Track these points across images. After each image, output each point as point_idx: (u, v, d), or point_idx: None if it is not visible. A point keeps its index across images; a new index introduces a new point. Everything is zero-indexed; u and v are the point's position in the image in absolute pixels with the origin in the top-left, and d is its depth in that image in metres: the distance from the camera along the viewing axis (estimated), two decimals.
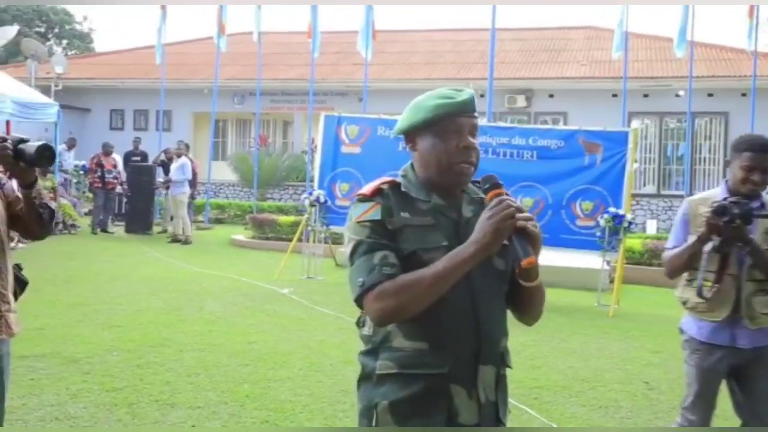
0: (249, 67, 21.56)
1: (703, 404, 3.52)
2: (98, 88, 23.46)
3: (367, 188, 1.92)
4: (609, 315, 8.38)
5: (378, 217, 1.85)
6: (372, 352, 1.92)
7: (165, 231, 14.80)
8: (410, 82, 21.73)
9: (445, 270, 1.75)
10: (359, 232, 1.85)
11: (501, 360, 1.94)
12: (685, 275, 3.42)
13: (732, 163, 3.35)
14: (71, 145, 16.10)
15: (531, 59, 22.68)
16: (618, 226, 8.90)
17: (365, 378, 1.94)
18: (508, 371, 1.99)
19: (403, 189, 1.92)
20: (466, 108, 1.91)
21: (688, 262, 3.31)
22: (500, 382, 1.94)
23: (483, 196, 1.88)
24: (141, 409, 4.44)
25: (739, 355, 3.34)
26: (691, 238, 3.32)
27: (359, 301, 1.82)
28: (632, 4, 16.92)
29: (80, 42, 41.38)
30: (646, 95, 20.29)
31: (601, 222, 8.89)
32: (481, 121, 15.22)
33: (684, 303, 3.46)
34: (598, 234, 8.94)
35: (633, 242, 11.55)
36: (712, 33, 62.18)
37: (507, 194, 1.81)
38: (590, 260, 9.57)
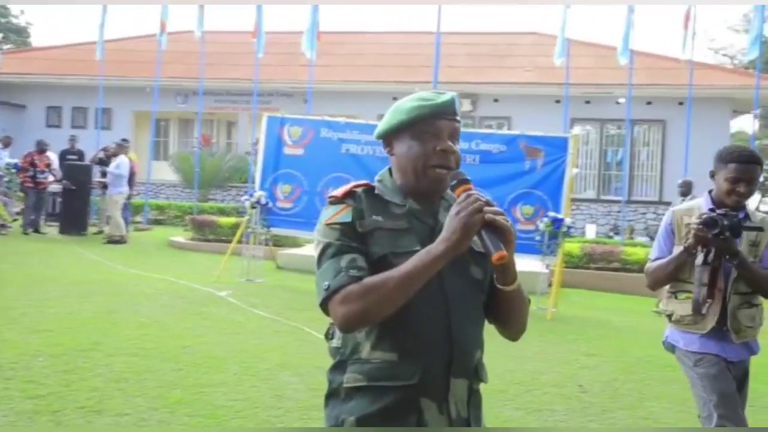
0: (192, 66, 21.22)
1: (730, 403, 3.23)
2: (35, 84, 22.80)
3: (339, 190, 1.86)
4: (547, 318, 8.47)
5: (348, 219, 1.79)
6: (340, 366, 1.83)
7: (101, 232, 14.44)
8: (356, 84, 21.70)
9: (414, 269, 1.66)
10: (328, 234, 1.79)
11: (474, 373, 1.84)
12: (668, 287, 3.37)
13: (717, 174, 3.31)
14: (6, 143, 15.55)
15: (477, 64, 22.88)
16: (557, 230, 9.00)
17: (332, 394, 1.84)
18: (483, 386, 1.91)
19: (376, 192, 1.86)
20: (446, 110, 1.84)
21: (673, 273, 3.26)
22: (473, 397, 1.85)
23: (451, 184, 1.80)
24: (65, 417, 4.28)
25: (730, 367, 3.27)
26: (676, 249, 3.27)
27: (324, 305, 1.74)
28: (578, 5, 17.19)
29: (16, 36, 40.18)
30: (587, 102, 20.65)
31: (541, 226, 8.99)
32: None
33: (669, 316, 3.39)
34: (538, 238, 9.03)
35: (572, 246, 11.73)
36: (651, 42, 63.83)
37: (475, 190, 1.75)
38: (530, 264, 9.67)
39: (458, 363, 1.78)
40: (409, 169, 1.83)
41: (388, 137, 1.89)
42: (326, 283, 1.73)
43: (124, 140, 14.86)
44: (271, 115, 10.76)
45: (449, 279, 1.77)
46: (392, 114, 1.89)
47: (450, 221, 1.67)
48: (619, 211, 19.48)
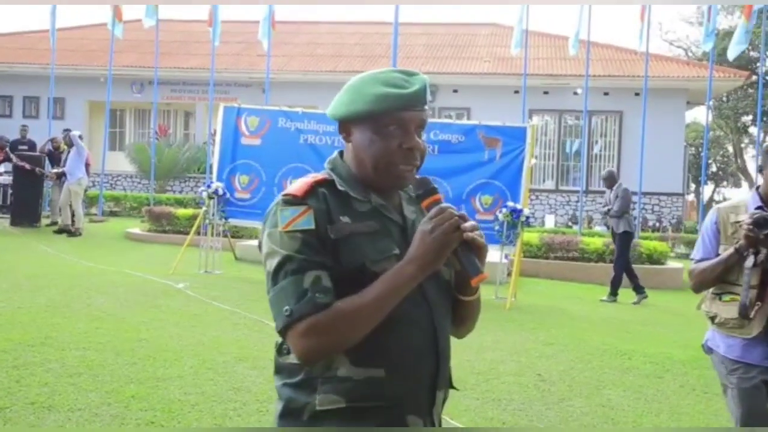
0: (147, 55, 20.89)
1: (756, 422, 3.02)
2: None
3: (296, 187, 1.59)
4: (506, 308, 8.51)
5: (311, 225, 1.53)
6: (305, 385, 1.56)
7: (55, 223, 14.14)
8: (315, 74, 21.58)
9: (386, 294, 1.50)
10: (286, 244, 1.52)
11: (449, 383, 1.73)
12: (711, 288, 3.17)
13: (766, 168, 3.08)
14: None
15: (436, 54, 22.92)
16: (516, 220, 9.05)
17: (290, 414, 1.59)
18: None
19: (339, 188, 1.61)
20: (417, 101, 1.61)
21: (721, 275, 3.06)
22: (442, 407, 1.72)
23: (417, 193, 1.65)
24: (14, 413, 4.15)
25: None
26: (722, 249, 3.09)
27: (283, 332, 1.52)
28: (534, 4, 17.28)
29: None
30: (546, 92, 20.83)
31: (500, 216, 9.02)
32: None
33: (712, 318, 3.19)
34: (497, 228, 9.06)
35: (530, 236, 11.83)
36: (608, 34, 64.63)
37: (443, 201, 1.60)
38: (489, 254, 9.68)
39: (442, 373, 1.66)
40: (368, 163, 1.61)
41: (346, 123, 1.65)
42: (287, 308, 1.49)
43: (67, 130, 14.50)
44: (228, 106, 10.61)
45: (427, 283, 1.60)
46: (353, 96, 1.62)
47: (423, 239, 1.52)
48: (577, 201, 19.70)
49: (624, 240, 10.08)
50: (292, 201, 1.57)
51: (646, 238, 14.03)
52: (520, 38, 16.45)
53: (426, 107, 1.64)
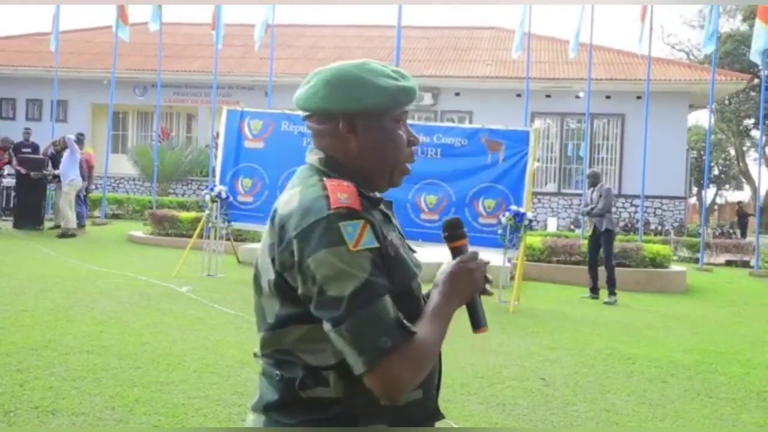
0: (151, 58, 20.93)
1: None
2: None
3: (346, 197, 1.40)
4: (509, 311, 8.50)
5: (375, 243, 1.38)
6: (343, 419, 1.43)
7: (58, 227, 14.15)
8: None
9: (443, 330, 1.46)
10: (360, 265, 1.35)
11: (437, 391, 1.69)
12: None
13: None
14: None
15: (438, 57, 22.94)
16: (519, 224, 9.04)
17: None
18: None
19: (361, 192, 1.46)
20: (412, 101, 1.55)
21: None
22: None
23: (444, 234, 1.57)
24: (18, 417, 4.15)
25: None
26: None
27: (374, 365, 1.34)
28: (536, 4, 17.29)
29: None
30: (548, 96, 20.85)
31: (503, 220, 9.02)
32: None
33: None
34: (500, 232, 9.06)
35: (533, 240, 11.82)
36: (610, 37, 64.61)
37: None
38: (492, 257, 9.66)
39: (439, 386, 1.61)
40: (379, 161, 1.51)
41: (352, 116, 1.50)
42: (385, 338, 1.34)
43: (80, 134, 14.57)
44: (231, 109, 10.62)
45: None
46: (358, 90, 1.48)
47: (465, 276, 1.48)
48: (579, 204, 19.70)
49: (608, 238, 10.25)
50: (348, 213, 1.38)
51: (648, 242, 14.02)
52: (521, 42, 16.44)
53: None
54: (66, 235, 13.20)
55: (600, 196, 10.18)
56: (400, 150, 1.52)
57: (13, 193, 14.55)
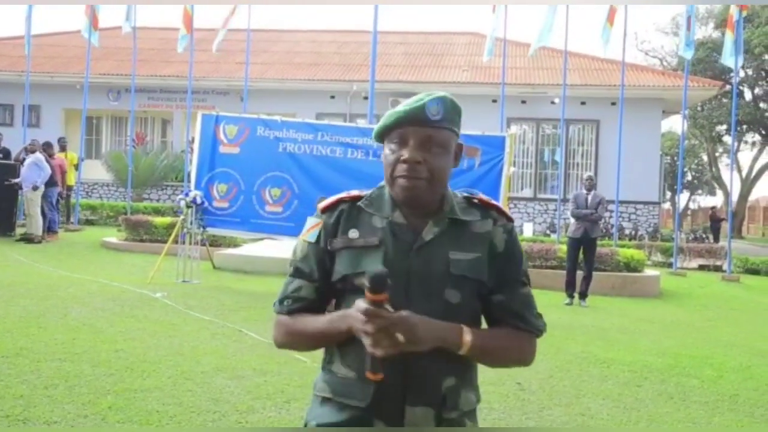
0: (124, 63, 20.78)
1: None
2: None
3: (326, 201, 1.83)
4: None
5: (313, 239, 1.81)
6: (321, 371, 1.85)
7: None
8: (293, 82, 21.55)
9: (321, 333, 1.74)
10: (298, 248, 1.84)
11: (443, 402, 1.72)
12: None
13: None
14: None
15: (414, 63, 23.00)
16: None
17: (313, 396, 1.87)
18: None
19: (361, 204, 1.80)
20: (415, 116, 1.71)
21: None
22: (444, 424, 1.73)
23: (460, 217, 1.76)
24: None
25: None
26: None
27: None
28: (514, 7, 17.38)
29: None
30: (523, 101, 20.98)
31: None
32: (362, 123, 15.29)
33: None
34: None
35: None
36: (585, 43, 65.19)
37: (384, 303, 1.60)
38: None
39: (415, 391, 1.69)
40: (385, 177, 1.77)
41: (380, 143, 1.83)
42: (276, 300, 1.84)
43: (62, 138, 14.47)
44: (206, 113, 10.56)
45: (418, 303, 1.66)
46: (381, 119, 1.81)
47: (358, 318, 1.58)
48: (555, 210, 19.82)
49: (595, 245, 10.54)
50: (316, 213, 1.84)
51: (623, 246, 14.14)
52: (492, 46, 16.51)
53: (433, 123, 1.71)
54: (28, 239, 13.03)
55: (599, 202, 10.36)
56: (390, 166, 1.74)
57: None
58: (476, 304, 1.78)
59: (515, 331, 1.80)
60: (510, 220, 1.84)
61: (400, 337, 1.57)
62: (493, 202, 1.84)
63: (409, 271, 1.71)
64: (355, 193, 1.82)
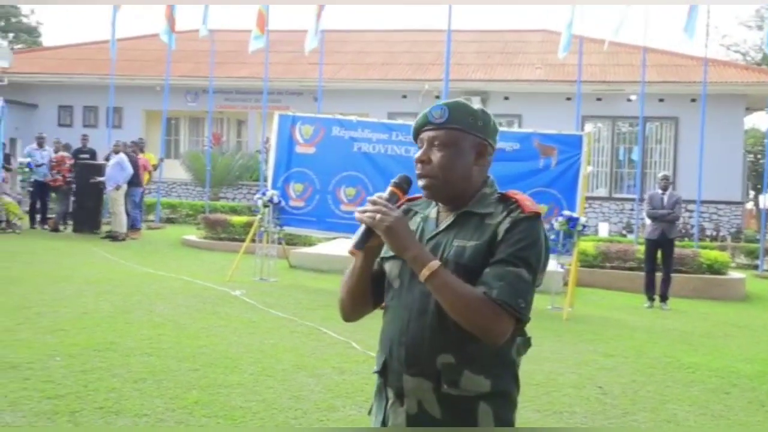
0: (202, 65, 21.26)
1: None
2: (46, 83, 22.89)
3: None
4: (563, 318, 8.40)
5: None
6: None
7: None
8: (365, 82, 21.66)
9: (349, 272, 2.00)
10: None
11: (440, 376, 1.85)
12: None
13: None
14: (41, 143, 15.39)
15: (487, 61, 22.80)
16: (572, 229, 8.94)
17: None
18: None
19: (411, 204, 2.06)
20: (423, 122, 1.95)
21: None
22: (450, 402, 1.86)
23: (473, 209, 1.92)
24: (84, 418, 4.25)
25: None
26: None
27: None
28: (589, 6, 17.03)
29: (27, 36, 40.32)
30: (599, 99, 20.55)
31: (556, 225, 8.92)
32: None
33: None
34: (553, 237, 8.95)
35: (586, 245, 11.66)
36: (664, 39, 63.47)
37: (397, 194, 1.92)
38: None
39: (412, 363, 1.88)
40: None
41: None
42: None
43: (141, 140, 14.99)
44: (283, 114, 10.72)
45: (414, 284, 1.87)
46: None
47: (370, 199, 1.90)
48: (631, 209, 19.37)
49: (674, 246, 10.28)
50: None
51: (704, 248, 13.71)
52: (568, 42, 16.20)
53: (435, 124, 1.92)
54: (113, 237, 13.47)
55: (675, 202, 10.09)
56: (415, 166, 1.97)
57: (72, 198, 14.92)
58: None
59: (479, 293, 1.80)
60: (529, 211, 1.87)
61: (379, 218, 1.80)
62: (517, 196, 1.91)
63: None
64: (418, 195, 2.04)
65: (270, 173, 10.49)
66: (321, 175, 10.13)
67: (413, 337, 1.87)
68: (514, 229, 1.84)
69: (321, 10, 16.34)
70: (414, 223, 2.00)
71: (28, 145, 15.35)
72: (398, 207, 1.99)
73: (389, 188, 1.92)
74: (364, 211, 1.83)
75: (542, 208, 1.90)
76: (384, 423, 1.97)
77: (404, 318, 1.91)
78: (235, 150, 22.81)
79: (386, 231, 1.81)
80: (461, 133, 1.92)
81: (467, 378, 1.85)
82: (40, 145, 15.12)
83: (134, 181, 14.09)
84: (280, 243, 11.06)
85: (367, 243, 1.88)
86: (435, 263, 1.80)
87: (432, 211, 1.99)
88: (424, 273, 1.79)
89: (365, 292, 2.01)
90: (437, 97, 19.48)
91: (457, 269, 1.83)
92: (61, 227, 14.64)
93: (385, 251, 1.98)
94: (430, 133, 1.92)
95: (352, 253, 1.89)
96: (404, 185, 1.94)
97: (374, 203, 1.85)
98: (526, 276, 1.83)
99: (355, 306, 2.05)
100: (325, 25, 17.10)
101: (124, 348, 5.78)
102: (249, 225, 12.02)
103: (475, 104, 2.01)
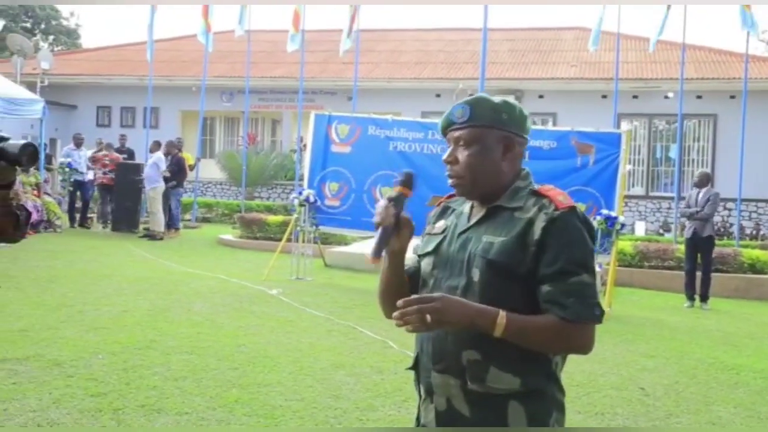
0: (237, 65, 21.42)
1: None
2: (85, 84, 23.24)
3: (441, 198, 2.13)
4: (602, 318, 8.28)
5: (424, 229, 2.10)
6: None
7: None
8: (399, 81, 21.64)
9: (383, 273, 2.00)
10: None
11: (466, 373, 1.83)
12: None
13: None
14: (79, 143, 15.64)
15: (521, 59, 22.65)
16: (610, 228, 8.83)
17: None
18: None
19: (449, 201, 2.08)
20: (447, 123, 1.97)
21: None
22: (476, 399, 1.83)
23: (503, 203, 1.91)
24: (126, 415, 4.30)
25: None
26: None
27: None
28: (621, 4, 16.82)
29: (67, 38, 41.03)
30: (635, 96, 20.29)
31: (594, 224, 8.80)
32: None
33: None
34: None
35: (623, 244, 11.51)
36: (702, 35, 62.50)
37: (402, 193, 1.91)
38: None
39: (439, 360, 1.88)
40: None
41: None
42: None
43: (179, 139, 15.25)
44: (319, 113, 10.75)
45: (450, 278, 1.89)
46: None
47: (382, 205, 1.93)
48: (669, 208, 19.09)
49: (710, 244, 10.02)
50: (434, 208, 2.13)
51: (745, 247, 13.45)
52: (597, 37, 15.99)
53: (458, 125, 1.92)
54: (151, 236, 13.63)
55: (708, 200, 9.86)
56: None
57: (110, 197, 15.14)
58: (505, 285, 1.82)
59: (556, 318, 1.76)
60: (563, 208, 1.82)
61: (428, 317, 1.71)
62: (549, 192, 1.86)
63: (451, 251, 1.92)
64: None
65: (306, 172, 10.52)
66: (356, 174, 10.14)
67: (439, 333, 1.86)
68: (554, 229, 1.79)
69: (356, 12, 16.32)
70: (450, 218, 2.01)
71: (66, 146, 15.59)
72: (437, 206, 2.07)
73: (396, 189, 1.91)
74: (405, 314, 1.73)
75: (580, 206, 1.84)
76: (418, 419, 1.98)
77: None
78: (270, 149, 22.94)
79: (441, 321, 1.74)
80: (485, 130, 1.91)
81: (493, 375, 1.81)
82: (78, 145, 15.36)
83: (180, 181, 14.31)
84: (316, 242, 11.09)
85: (385, 249, 1.89)
86: (501, 318, 1.74)
87: (466, 207, 1.99)
88: (498, 330, 1.74)
89: (401, 291, 1.97)
90: (471, 95, 19.41)
91: (484, 265, 1.82)
92: (101, 226, 14.86)
93: (421, 248, 2.01)
94: (455, 133, 1.93)
95: (371, 261, 1.90)
96: (409, 182, 1.93)
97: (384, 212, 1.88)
98: (588, 280, 1.79)
99: (391, 305, 1.96)
100: (359, 25, 17.10)
101: (164, 346, 5.84)
102: (284, 224, 12.08)
103: (496, 97, 1.96)
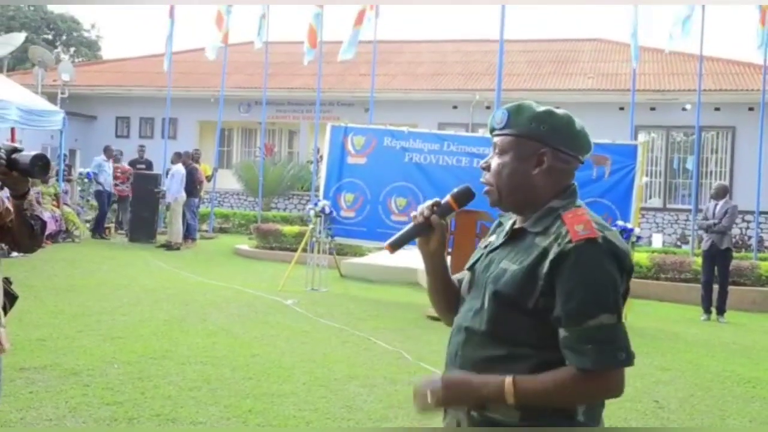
0: (255, 76, 21.56)
1: None
2: (104, 95, 23.49)
3: None
4: None
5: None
6: None
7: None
8: (416, 92, 21.69)
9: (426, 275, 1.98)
10: None
11: None
12: None
13: None
14: (110, 155, 15.76)
15: (538, 71, 22.64)
16: (626, 240, 8.80)
17: None
18: None
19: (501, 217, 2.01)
20: (490, 127, 1.91)
21: None
22: (478, 424, 1.78)
23: (524, 226, 1.82)
24: (141, 424, 4.34)
25: None
26: None
27: None
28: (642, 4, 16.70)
29: (87, 50, 41.51)
30: (652, 108, 20.21)
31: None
32: (487, 133, 15.15)
33: None
34: None
35: (640, 256, 11.46)
36: (720, 47, 62.12)
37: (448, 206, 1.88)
38: None
39: (459, 367, 1.83)
40: None
41: None
42: None
43: (197, 150, 15.39)
44: (335, 125, 10.81)
45: (470, 299, 1.85)
46: None
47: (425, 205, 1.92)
48: (687, 220, 18.97)
49: (727, 257, 9.95)
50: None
51: (764, 260, 13.33)
52: (636, 52, 15.90)
53: (500, 131, 1.85)
54: (168, 246, 13.75)
55: (726, 212, 9.82)
56: None
57: (128, 208, 15.29)
58: (512, 318, 1.71)
59: (573, 368, 1.63)
60: (579, 240, 1.65)
61: (429, 398, 1.72)
62: (570, 218, 1.71)
63: (479, 270, 1.86)
64: None
65: (322, 183, 10.58)
66: (372, 185, 10.18)
67: (462, 351, 1.82)
68: (565, 264, 1.64)
69: (360, 16, 16.34)
70: (494, 236, 1.93)
71: (97, 156, 15.72)
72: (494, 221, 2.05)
73: (448, 197, 1.89)
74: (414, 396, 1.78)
75: (612, 233, 1.73)
76: None
77: (458, 331, 1.87)
78: (287, 160, 23.04)
79: (446, 402, 1.76)
80: (519, 139, 1.80)
81: (493, 405, 1.72)
82: (109, 157, 15.49)
83: (193, 192, 14.41)
84: (331, 253, 11.13)
85: (402, 246, 1.90)
86: (508, 385, 1.65)
87: (509, 222, 1.88)
88: (509, 398, 1.66)
89: (447, 296, 1.97)
90: (488, 107, 19.42)
91: (491, 294, 1.75)
92: (124, 236, 15.05)
93: (469, 261, 1.94)
94: (495, 139, 1.87)
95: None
96: (462, 199, 1.87)
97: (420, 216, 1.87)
98: (608, 320, 1.63)
99: (439, 307, 2.02)
100: (368, 36, 17.12)
101: (179, 356, 5.88)
102: (300, 235, 12.13)
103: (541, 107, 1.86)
